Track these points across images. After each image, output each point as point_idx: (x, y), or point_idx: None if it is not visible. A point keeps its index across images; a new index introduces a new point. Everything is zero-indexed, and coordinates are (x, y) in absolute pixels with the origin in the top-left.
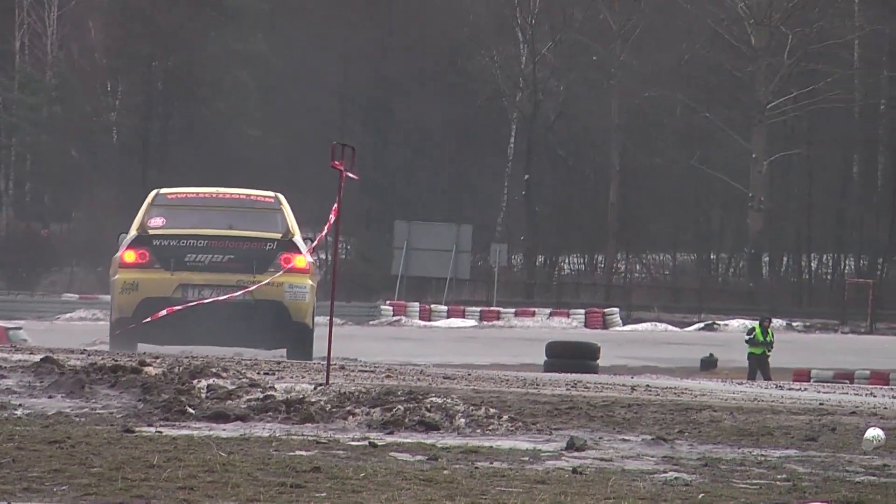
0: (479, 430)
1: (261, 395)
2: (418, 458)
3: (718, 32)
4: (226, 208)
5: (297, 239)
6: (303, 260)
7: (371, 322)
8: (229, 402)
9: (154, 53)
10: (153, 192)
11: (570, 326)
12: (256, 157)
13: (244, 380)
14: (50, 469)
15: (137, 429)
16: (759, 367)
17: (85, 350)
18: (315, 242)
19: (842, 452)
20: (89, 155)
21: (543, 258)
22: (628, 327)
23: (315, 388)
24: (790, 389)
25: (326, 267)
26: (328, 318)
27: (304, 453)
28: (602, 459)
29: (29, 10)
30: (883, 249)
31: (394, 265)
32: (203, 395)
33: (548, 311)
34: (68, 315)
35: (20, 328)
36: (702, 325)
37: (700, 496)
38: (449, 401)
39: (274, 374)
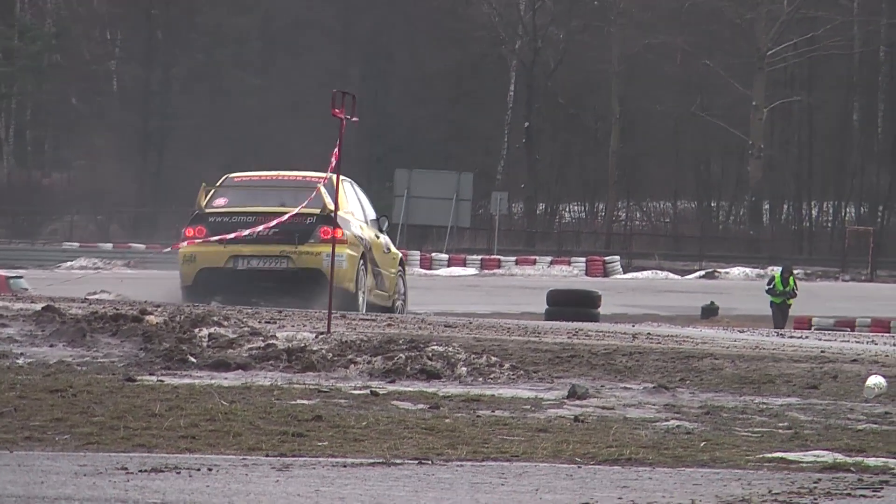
0: (480, 379)
1: (262, 344)
2: (420, 406)
3: None
4: (281, 188)
5: (339, 214)
6: (340, 232)
7: None
8: (231, 350)
9: (153, 1)
10: (223, 177)
11: (570, 274)
12: (257, 105)
13: (245, 328)
14: (52, 418)
15: (139, 378)
16: (779, 314)
17: (86, 299)
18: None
19: (843, 400)
20: (90, 103)
21: (544, 206)
22: (629, 275)
23: (316, 337)
24: (791, 337)
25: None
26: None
27: (305, 402)
28: (603, 408)
29: None
30: (883, 196)
31: (394, 213)
32: (204, 344)
33: (548, 259)
34: (69, 263)
35: (21, 277)
36: (702, 272)
37: (701, 444)
38: (450, 349)
39: (275, 322)
